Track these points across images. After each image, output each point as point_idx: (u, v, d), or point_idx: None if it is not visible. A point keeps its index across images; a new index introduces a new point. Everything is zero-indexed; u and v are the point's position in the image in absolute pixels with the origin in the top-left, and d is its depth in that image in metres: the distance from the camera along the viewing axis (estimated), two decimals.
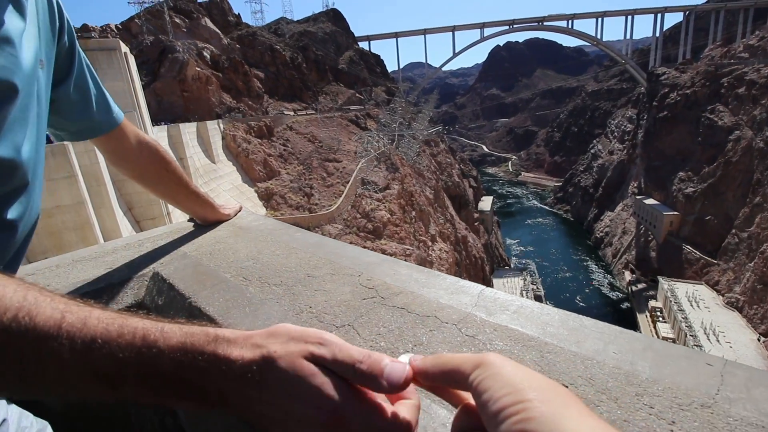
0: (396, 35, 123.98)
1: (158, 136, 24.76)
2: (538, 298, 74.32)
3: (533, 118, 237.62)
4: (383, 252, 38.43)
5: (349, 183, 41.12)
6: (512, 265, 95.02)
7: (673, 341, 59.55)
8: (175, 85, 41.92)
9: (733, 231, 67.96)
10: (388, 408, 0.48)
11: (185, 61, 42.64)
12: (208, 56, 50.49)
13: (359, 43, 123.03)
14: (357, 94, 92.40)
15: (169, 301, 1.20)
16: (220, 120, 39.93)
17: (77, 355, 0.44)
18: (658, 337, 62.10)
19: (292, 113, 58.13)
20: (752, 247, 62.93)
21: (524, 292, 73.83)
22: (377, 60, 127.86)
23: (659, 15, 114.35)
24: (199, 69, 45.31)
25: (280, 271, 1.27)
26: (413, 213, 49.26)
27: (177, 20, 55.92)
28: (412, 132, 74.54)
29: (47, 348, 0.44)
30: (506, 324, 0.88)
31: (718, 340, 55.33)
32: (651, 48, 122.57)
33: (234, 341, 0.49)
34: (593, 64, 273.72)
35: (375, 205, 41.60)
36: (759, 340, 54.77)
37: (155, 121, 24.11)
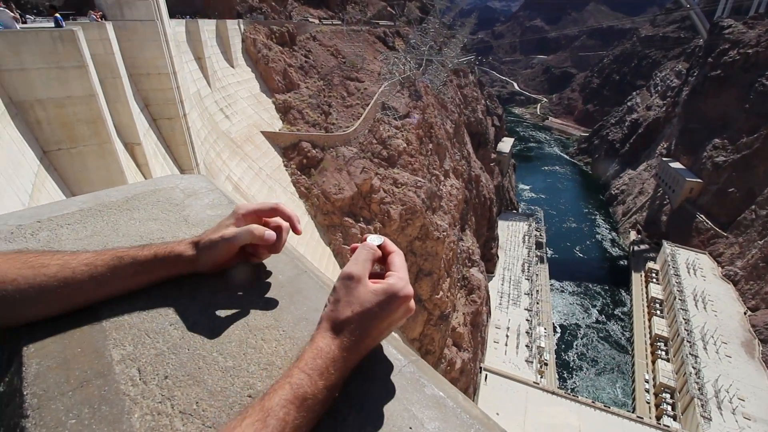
0: None
1: (176, 30, 23.65)
2: (539, 245, 75.76)
3: (574, 58, 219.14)
4: (395, 182, 38.60)
5: (369, 106, 39.79)
6: (520, 210, 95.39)
7: (661, 302, 61.80)
8: None
9: (753, 207, 66.21)
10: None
11: None
12: None
13: None
14: (389, 8, 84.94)
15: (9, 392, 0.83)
16: (240, 20, 37.54)
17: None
18: (648, 296, 64.32)
19: (317, 21, 54.25)
20: (767, 226, 61.87)
21: (527, 237, 75.08)
22: None
23: None
24: None
25: (212, 377, 0.84)
26: (430, 145, 48.27)
27: None
28: (441, 58, 69.87)
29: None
30: None
31: (705, 308, 57.21)
32: None
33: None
34: (654, 5, 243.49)
35: (393, 133, 40.70)
36: (745, 313, 56.49)
37: (172, 14, 22.81)
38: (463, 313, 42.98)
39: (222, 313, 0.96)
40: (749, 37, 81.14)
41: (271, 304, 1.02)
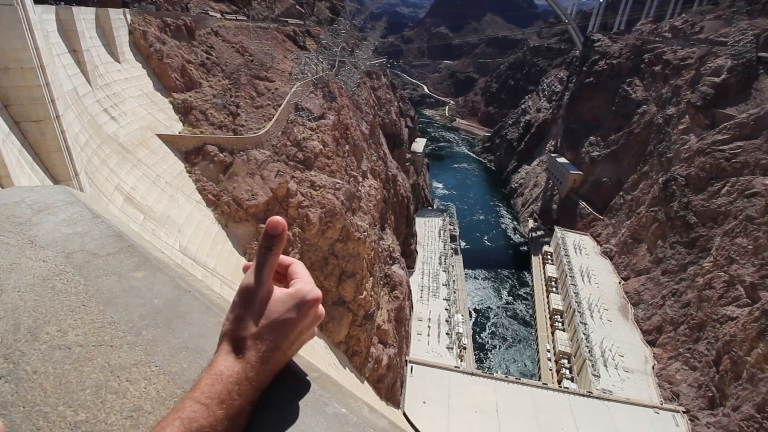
0: None
1: (44, 18, 20.33)
2: (453, 238, 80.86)
3: (476, 64, 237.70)
4: (312, 185, 37.98)
5: (282, 107, 38.51)
6: (435, 206, 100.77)
7: (556, 280, 70.02)
8: None
9: (621, 193, 78.77)
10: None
11: None
12: None
13: None
14: (297, 6, 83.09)
15: None
16: (126, 10, 33.56)
17: None
18: (545, 276, 72.56)
19: (218, 15, 50.86)
20: (632, 208, 74.01)
21: (442, 231, 79.69)
22: None
23: None
24: None
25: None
26: (347, 147, 48.43)
27: None
28: (354, 60, 70.48)
29: None
30: None
31: (590, 281, 66.54)
32: (593, 12, 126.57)
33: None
34: (539, 19, 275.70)
35: (308, 134, 39.94)
36: (620, 283, 67.00)
37: None
38: (387, 310, 44.06)
39: (74, 353, 0.74)
40: (613, 50, 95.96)
41: (141, 335, 0.85)
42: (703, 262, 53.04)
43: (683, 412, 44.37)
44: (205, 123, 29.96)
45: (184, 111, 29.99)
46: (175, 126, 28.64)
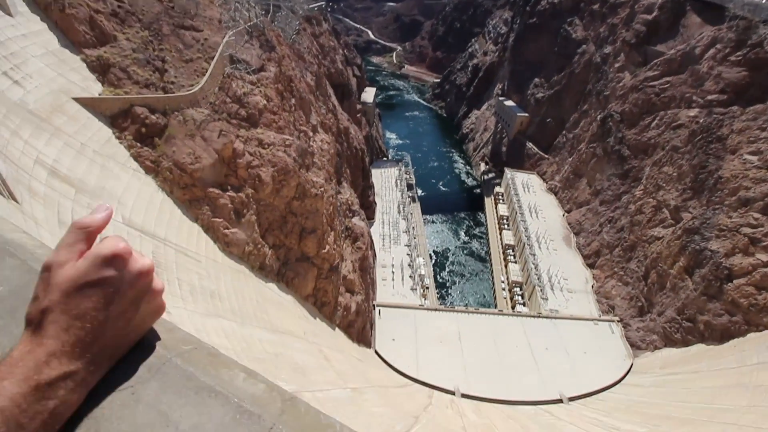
0: None
1: None
2: (410, 186, 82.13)
3: (420, 6, 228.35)
4: (261, 143, 36.19)
5: (215, 59, 35.30)
6: (390, 157, 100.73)
7: (507, 218, 74.19)
8: None
9: (564, 132, 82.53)
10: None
11: None
12: None
13: None
14: None
15: None
16: None
17: None
18: (497, 215, 76.56)
19: None
20: (573, 146, 78.16)
21: (399, 181, 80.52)
22: None
23: None
24: None
25: None
26: (293, 101, 46.11)
27: None
28: (290, 3, 65.16)
29: None
30: None
31: (537, 216, 71.24)
32: None
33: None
34: None
35: (249, 89, 37.35)
36: (563, 215, 72.33)
37: None
38: (351, 261, 45.00)
39: None
40: None
41: None
42: (635, 190, 58.15)
43: (617, 321, 50.73)
44: (128, 82, 27.01)
45: (101, 69, 26.72)
46: (93, 87, 25.60)
